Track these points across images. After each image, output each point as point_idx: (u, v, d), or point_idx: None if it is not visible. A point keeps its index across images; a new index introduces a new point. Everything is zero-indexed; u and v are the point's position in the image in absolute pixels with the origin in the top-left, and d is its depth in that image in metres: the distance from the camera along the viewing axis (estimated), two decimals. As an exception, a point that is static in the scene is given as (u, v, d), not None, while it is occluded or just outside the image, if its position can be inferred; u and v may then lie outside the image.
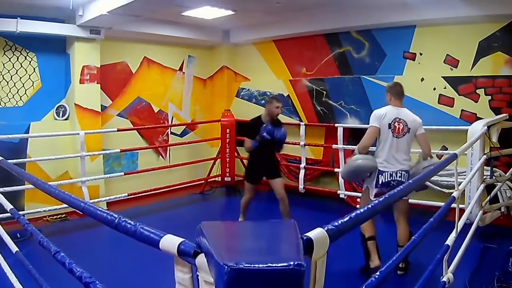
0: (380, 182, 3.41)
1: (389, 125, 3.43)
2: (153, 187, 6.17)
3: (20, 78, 5.38)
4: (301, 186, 5.91)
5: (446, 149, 5.00)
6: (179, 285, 1.24)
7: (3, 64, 5.24)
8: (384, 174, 3.40)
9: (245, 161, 4.89)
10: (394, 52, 5.55)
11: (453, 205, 2.56)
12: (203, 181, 6.88)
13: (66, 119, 5.71)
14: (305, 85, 6.44)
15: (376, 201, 1.54)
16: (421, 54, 5.34)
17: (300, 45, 6.55)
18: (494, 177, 4.26)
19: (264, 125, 4.21)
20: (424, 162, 3.44)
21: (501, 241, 4.03)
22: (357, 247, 4.05)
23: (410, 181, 1.95)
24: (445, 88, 5.09)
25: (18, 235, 3.88)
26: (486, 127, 3.86)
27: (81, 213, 1.68)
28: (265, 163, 4.47)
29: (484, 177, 4.08)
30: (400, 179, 3.39)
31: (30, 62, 5.44)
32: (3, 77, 5.25)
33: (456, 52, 5.07)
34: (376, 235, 3.46)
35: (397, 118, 3.45)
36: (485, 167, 4.13)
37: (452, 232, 2.58)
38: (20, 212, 3.27)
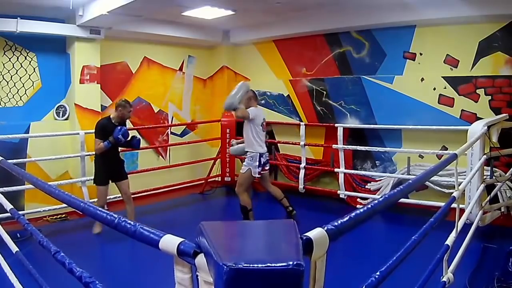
0: (262, 162, 4.80)
1: (261, 123, 4.84)
2: (153, 187, 6.17)
3: (20, 78, 5.39)
4: (301, 186, 5.91)
5: (446, 149, 5.01)
6: (178, 285, 1.24)
7: (3, 64, 5.24)
8: (263, 155, 4.82)
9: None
10: (394, 52, 5.55)
11: (453, 205, 2.56)
12: (203, 181, 6.88)
13: (66, 119, 5.71)
14: (305, 85, 6.44)
15: (376, 201, 1.54)
16: (421, 54, 5.34)
17: (300, 45, 6.55)
18: (494, 177, 4.26)
19: (119, 127, 4.35)
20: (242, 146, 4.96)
21: (501, 241, 4.03)
22: (357, 247, 4.06)
23: (410, 181, 1.96)
24: (445, 88, 5.09)
25: (18, 235, 3.88)
26: (486, 127, 3.85)
27: (81, 213, 1.68)
28: (113, 165, 4.59)
29: (484, 177, 4.08)
30: (268, 157, 4.98)
31: (30, 62, 5.45)
32: (3, 77, 5.26)
33: (456, 52, 5.07)
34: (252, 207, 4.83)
35: (264, 118, 4.94)
36: (485, 167, 4.13)
37: (452, 232, 2.58)
38: (20, 212, 3.27)
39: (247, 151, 4.85)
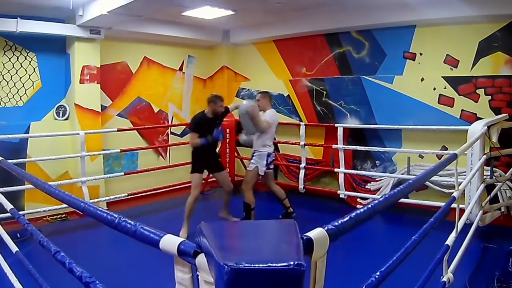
0: (268, 162, 4.88)
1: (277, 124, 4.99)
2: (153, 187, 6.17)
3: (20, 78, 5.38)
4: (301, 186, 5.90)
5: (446, 149, 5.01)
6: (179, 285, 1.24)
7: (3, 64, 5.24)
8: (271, 155, 4.90)
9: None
10: (394, 52, 5.55)
11: (453, 205, 2.56)
12: (203, 181, 6.86)
13: (66, 119, 5.71)
14: (305, 85, 6.44)
15: (376, 201, 1.54)
16: (421, 54, 5.34)
17: (300, 45, 6.55)
18: (494, 177, 4.26)
19: (220, 129, 4.77)
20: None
21: (501, 241, 4.03)
22: (357, 247, 4.06)
23: (410, 181, 1.96)
24: (445, 88, 5.09)
25: (18, 235, 3.88)
26: (486, 127, 3.85)
27: (81, 213, 1.68)
28: (209, 157, 4.82)
29: (484, 177, 4.08)
30: (274, 158, 5.05)
31: (30, 62, 5.44)
32: (3, 77, 5.25)
33: (456, 52, 5.07)
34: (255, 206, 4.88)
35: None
36: (485, 167, 4.13)
37: (452, 232, 2.58)
38: (20, 212, 3.26)
39: (255, 149, 4.91)
